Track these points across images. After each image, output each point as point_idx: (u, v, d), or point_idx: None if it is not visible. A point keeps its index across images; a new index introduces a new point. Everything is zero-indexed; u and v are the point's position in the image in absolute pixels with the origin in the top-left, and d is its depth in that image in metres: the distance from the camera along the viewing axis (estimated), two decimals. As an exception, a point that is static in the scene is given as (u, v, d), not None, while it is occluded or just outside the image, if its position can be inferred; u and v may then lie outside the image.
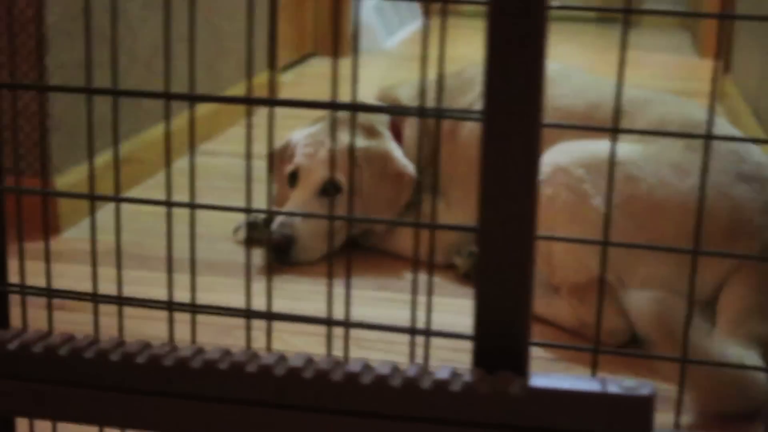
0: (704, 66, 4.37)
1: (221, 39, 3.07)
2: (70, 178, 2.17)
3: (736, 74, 3.50)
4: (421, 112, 0.91)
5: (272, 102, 0.94)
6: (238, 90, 3.22)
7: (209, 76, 3.00)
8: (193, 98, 0.95)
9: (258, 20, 3.37)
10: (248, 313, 0.98)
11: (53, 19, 2.07)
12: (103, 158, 2.31)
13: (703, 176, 0.89)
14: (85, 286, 1.81)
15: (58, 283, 1.80)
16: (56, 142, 2.12)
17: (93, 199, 1.00)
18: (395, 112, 0.89)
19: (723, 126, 1.81)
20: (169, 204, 0.97)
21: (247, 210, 0.95)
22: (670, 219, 1.63)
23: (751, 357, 1.46)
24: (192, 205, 0.96)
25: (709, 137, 0.88)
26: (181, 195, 2.40)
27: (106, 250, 2.01)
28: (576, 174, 1.71)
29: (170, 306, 1.00)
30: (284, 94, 3.72)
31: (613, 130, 0.92)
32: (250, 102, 0.94)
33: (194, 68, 0.97)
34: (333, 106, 0.91)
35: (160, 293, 1.79)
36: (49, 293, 1.03)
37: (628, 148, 1.72)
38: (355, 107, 0.92)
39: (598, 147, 1.74)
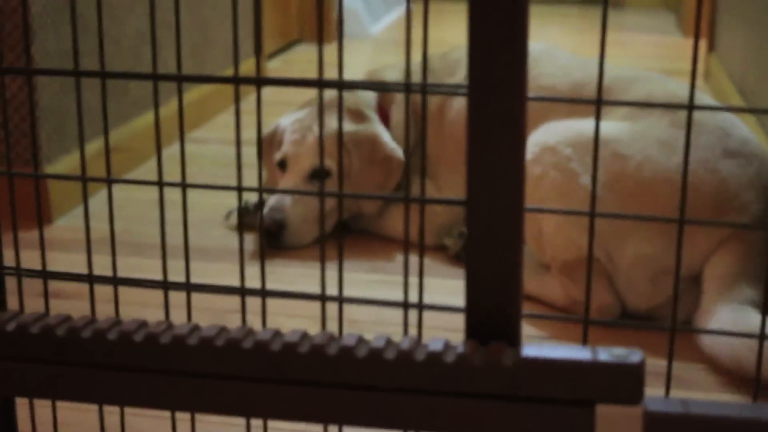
0: (688, 45, 4.39)
1: (206, 27, 3.07)
2: (59, 167, 2.17)
3: (720, 53, 3.51)
4: (407, 87, 0.92)
5: (259, 81, 0.95)
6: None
7: (195, 63, 3.00)
8: (180, 78, 0.96)
9: (243, 7, 3.37)
10: (243, 291, 0.99)
11: (38, 9, 2.07)
12: (92, 147, 2.32)
13: (686, 149, 0.90)
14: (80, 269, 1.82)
15: (52, 271, 1.82)
16: (45, 132, 2.13)
17: (85, 180, 1.01)
18: (381, 88, 0.90)
19: (708, 102, 1.83)
20: (161, 184, 0.98)
21: (239, 189, 0.96)
22: (657, 195, 1.64)
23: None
24: (184, 185, 0.97)
25: (691, 108, 0.89)
26: (172, 181, 2.42)
27: (98, 238, 2.03)
28: (563, 153, 1.72)
29: (165, 285, 1.01)
30: (271, 81, 3.72)
31: (598, 102, 0.93)
32: (237, 81, 0.95)
33: (180, 52, 0.98)
34: (320, 84, 0.92)
35: (154, 278, 1.81)
36: (45, 275, 1.03)
37: (614, 127, 1.74)
38: (342, 84, 0.93)
39: (584, 126, 1.75)
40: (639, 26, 5.19)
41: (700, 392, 1.46)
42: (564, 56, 2.06)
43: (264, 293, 1.00)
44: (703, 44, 4.04)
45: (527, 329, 1.68)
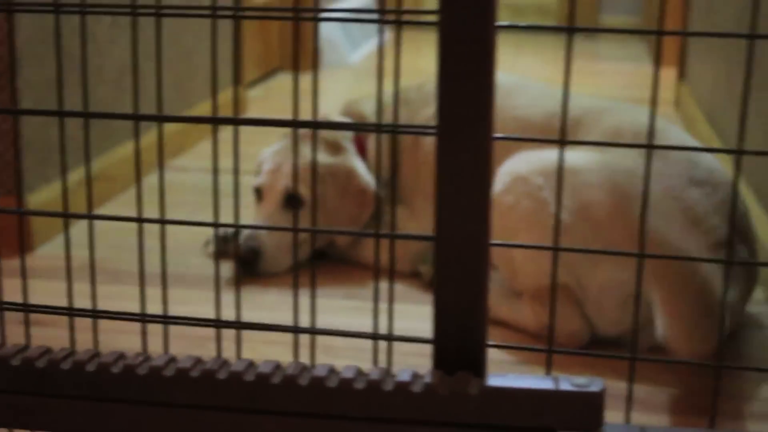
0: (661, 74, 4.45)
1: (189, 56, 3.11)
2: (42, 196, 2.20)
3: (690, 82, 3.58)
4: (378, 128, 0.96)
5: (236, 121, 0.99)
6: (207, 106, 3.26)
7: (178, 93, 3.04)
8: (160, 119, 0.99)
9: (224, 37, 3.42)
10: (218, 323, 1.03)
11: (22, 40, 2.11)
12: (74, 176, 2.35)
13: (645, 184, 0.94)
14: (60, 302, 1.85)
15: (34, 299, 1.85)
16: (27, 161, 2.16)
17: (66, 216, 1.04)
18: (353, 128, 0.94)
19: (675, 133, 1.88)
20: (140, 220, 1.02)
21: (215, 224, 1.00)
22: (626, 223, 1.69)
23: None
24: (162, 221, 1.01)
25: (650, 146, 0.94)
26: (151, 210, 2.45)
27: (79, 266, 2.06)
28: (535, 182, 1.77)
29: (143, 318, 1.04)
30: (251, 109, 3.77)
31: (561, 142, 0.97)
32: (215, 121, 0.99)
33: (161, 89, 1.02)
34: (294, 123, 0.96)
35: (133, 307, 1.85)
36: (26, 308, 1.07)
37: (585, 156, 1.78)
38: (315, 124, 0.97)
39: (555, 156, 1.79)
40: (612, 55, 5.26)
41: (663, 415, 1.50)
42: (537, 87, 2.11)
43: (239, 325, 1.04)
44: (672, 73, 4.12)
45: (500, 355, 1.72)
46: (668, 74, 4.26)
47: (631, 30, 0.99)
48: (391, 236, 0.99)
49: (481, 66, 0.92)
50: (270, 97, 4.02)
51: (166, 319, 1.07)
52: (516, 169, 1.80)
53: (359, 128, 0.97)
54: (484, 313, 0.99)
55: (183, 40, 3.06)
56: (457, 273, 0.97)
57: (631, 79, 4.49)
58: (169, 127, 2.96)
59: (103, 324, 1.77)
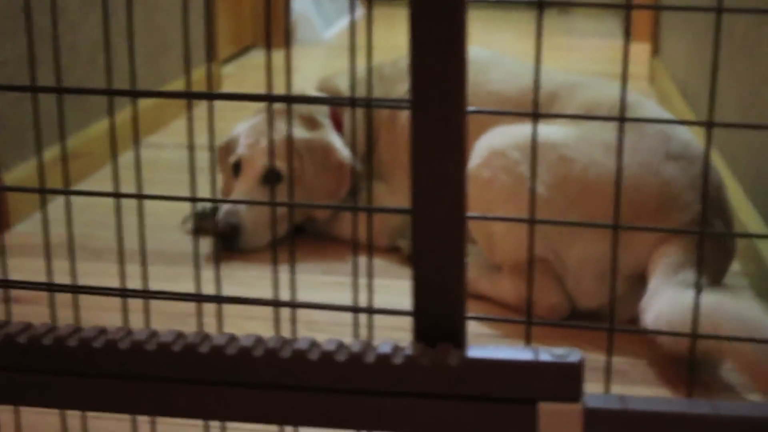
0: (635, 49, 4.47)
1: (162, 33, 3.09)
2: (17, 173, 2.19)
3: (664, 56, 3.59)
4: (352, 102, 0.97)
5: (211, 96, 0.99)
6: (181, 83, 3.25)
7: (151, 70, 3.03)
8: (135, 94, 0.99)
9: (197, 13, 3.40)
10: (199, 298, 1.03)
11: (-5, 18, 2.09)
12: (50, 153, 2.34)
13: (618, 157, 0.95)
14: (39, 279, 1.84)
15: (12, 277, 1.84)
16: (2, 139, 2.15)
17: (43, 192, 1.04)
18: (328, 102, 0.95)
19: (650, 107, 1.89)
20: (117, 195, 1.02)
21: (193, 199, 1.00)
22: (602, 197, 1.70)
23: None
24: (140, 196, 1.01)
25: (622, 119, 0.94)
26: (128, 187, 2.44)
27: (57, 243, 2.05)
28: (512, 157, 1.78)
29: (123, 293, 1.04)
30: (226, 86, 3.75)
31: (534, 114, 0.98)
32: (190, 96, 0.99)
33: (134, 64, 1.01)
34: (269, 98, 0.97)
35: (114, 283, 1.84)
36: (5, 285, 1.07)
37: (561, 131, 1.79)
38: (290, 99, 0.97)
39: (532, 130, 1.80)
40: (586, 31, 5.28)
41: (643, 387, 1.52)
42: (512, 62, 2.12)
43: (219, 299, 1.04)
44: (647, 48, 4.13)
45: (480, 328, 1.73)
46: (642, 49, 4.28)
47: (601, 4, 0.99)
48: (368, 209, 1.00)
49: (452, 39, 0.92)
50: (244, 74, 4.00)
51: (146, 294, 1.07)
52: (493, 143, 1.81)
53: (333, 102, 0.97)
54: (463, 285, 0.99)
55: (155, 16, 3.05)
56: (435, 246, 0.98)
57: (605, 54, 4.50)
58: (144, 104, 2.94)
59: (84, 301, 1.77)
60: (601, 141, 1.75)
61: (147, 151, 2.82)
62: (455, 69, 0.93)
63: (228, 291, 1.85)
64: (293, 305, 1.03)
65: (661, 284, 1.61)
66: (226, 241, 2.02)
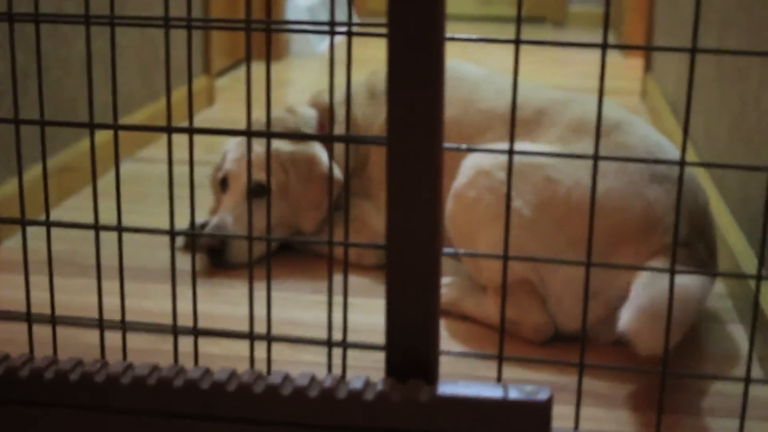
0: (627, 64, 4.48)
1: (156, 46, 3.10)
2: (7, 188, 2.20)
3: (656, 72, 3.61)
4: (330, 138, 0.98)
5: (192, 130, 1.00)
6: (174, 96, 3.26)
7: (145, 83, 3.04)
8: (116, 127, 1.00)
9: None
10: (175, 330, 1.04)
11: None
12: (37, 170, 2.34)
13: (593, 186, 0.96)
14: (23, 296, 1.85)
15: (0, 292, 1.85)
16: (-8, 155, 2.16)
17: (24, 224, 1.05)
18: (304, 138, 0.96)
19: (638, 126, 1.89)
20: (96, 228, 1.03)
21: (171, 233, 1.01)
22: (586, 220, 1.71)
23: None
24: (120, 229, 1.02)
25: (596, 158, 0.95)
26: (114, 206, 2.45)
27: (43, 260, 2.06)
28: (498, 177, 1.79)
29: (101, 324, 1.05)
30: (220, 100, 3.77)
31: (511, 140, 0.98)
32: (169, 131, 1.00)
33: (116, 97, 1.02)
34: (248, 133, 0.98)
35: (95, 301, 1.85)
36: (-15, 315, 1.08)
37: (547, 150, 1.80)
38: (268, 134, 0.98)
39: (519, 149, 1.81)
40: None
41: (623, 410, 1.53)
42: (503, 81, 2.13)
43: (196, 333, 1.05)
44: (640, 64, 4.14)
45: (462, 347, 1.74)
46: (635, 65, 4.29)
47: (576, 44, 1.00)
48: (345, 245, 1.01)
49: (429, 78, 0.93)
50: (237, 88, 4.02)
51: (123, 325, 1.08)
52: (479, 162, 1.82)
53: (311, 139, 0.99)
54: (436, 321, 1.00)
55: (150, 29, 3.06)
56: (409, 282, 0.99)
57: (598, 69, 4.51)
58: (137, 117, 2.95)
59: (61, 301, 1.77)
60: (586, 162, 1.76)
61: (139, 165, 2.83)
62: (431, 107, 0.94)
63: (214, 309, 1.86)
64: (268, 339, 1.04)
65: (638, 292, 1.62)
66: (214, 257, 2.03)
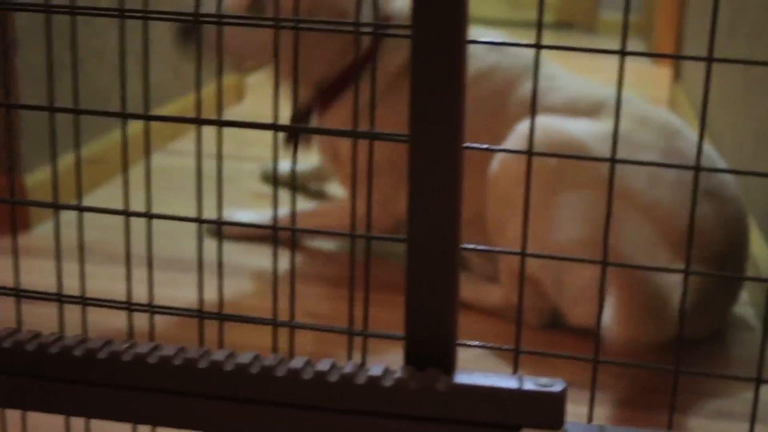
0: (658, 73, 4.49)
1: (189, 41, 3.15)
2: (40, 175, 2.25)
3: (685, 82, 3.61)
4: (354, 134, 1.01)
5: (220, 123, 1.03)
6: (205, 91, 3.30)
7: (177, 79, 3.08)
8: (147, 118, 1.04)
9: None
10: (201, 315, 1.07)
11: (22, 23, 2.15)
12: (69, 159, 2.39)
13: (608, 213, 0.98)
14: (53, 282, 1.89)
15: (28, 278, 1.89)
16: (25, 142, 2.20)
17: (56, 207, 1.09)
18: (334, 133, 0.98)
19: (690, 136, 1.85)
20: (127, 214, 1.06)
21: (199, 221, 1.04)
22: (631, 222, 1.70)
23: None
24: (149, 216, 1.05)
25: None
26: (144, 196, 2.49)
27: (72, 247, 2.10)
28: (549, 162, 1.74)
29: (129, 306, 1.09)
30: (249, 96, 3.81)
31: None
32: (199, 122, 1.03)
33: (148, 89, 1.05)
34: (275, 127, 1.01)
35: (124, 288, 1.89)
36: (18, 294, 1.11)
37: (593, 131, 1.76)
38: (295, 129, 1.01)
39: (579, 131, 1.75)
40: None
41: (632, 409, 1.55)
42: (568, 76, 2.06)
43: (221, 317, 1.08)
44: (668, 72, 4.15)
45: (474, 334, 1.76)
46: (664, 74, 4.30)
47: (594, 49, 1.03)
48: (367, 237, 1.04)
49: (452, 78, 0.96)
50: (266, 83, 4.06)
51: (151, 308, 1.11)
52: (536, 136, 1.76)
53: (338, 133, 1.01)
54: (455, 312, 1.03)
55: (184, 25, 3.10)
56: (428, 274, 1.02)
57: (629, 77, 4.52)
58: (168, 110, 3.00)
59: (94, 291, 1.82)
60: (645, 167, 1.73)
61: (169, 158, 2.87)
62: (454, 106, 0.96)
63: (240, 300, 1.90)
64: (291, 326, 1.07)
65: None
66: (185, 35, 1.96)
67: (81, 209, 1.07)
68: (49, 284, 1.90)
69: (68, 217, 2.31)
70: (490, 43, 0.97)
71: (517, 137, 1.80)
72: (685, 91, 3.59)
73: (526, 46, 0.91)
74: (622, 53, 0.94)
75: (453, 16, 0.93)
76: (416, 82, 0.96)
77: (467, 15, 0.92)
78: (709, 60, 0.86)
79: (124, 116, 1.04)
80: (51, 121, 1.07)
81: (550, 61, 2.12)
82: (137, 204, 2.40)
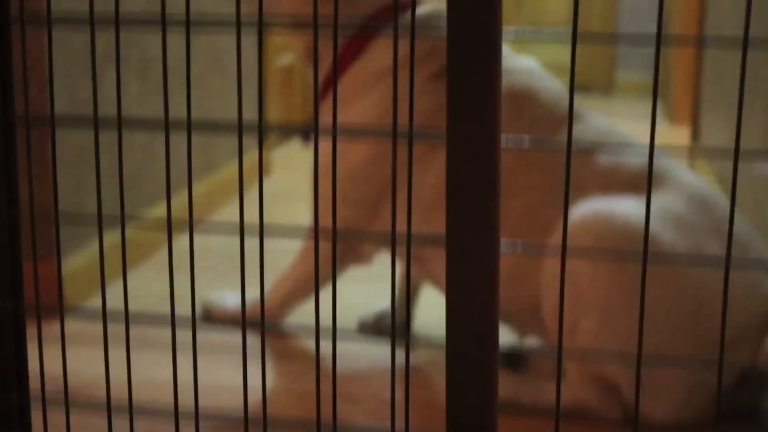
0: (675, 133, 4.51)
1: (214, 119, 3.21)
2: (76, 261, 2.30)
3: (703, 140, 3.64)
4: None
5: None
6: (232, 168, 3.36)
7: (205, 156, 3.14)
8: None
9: (248, 100, 3.52)
10: (246, 423, 1.11)
11: (59, 109, 2.21)
12: (106, 241, 2.44)
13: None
14: (93, 370, 1.92)
15: (69, 367, 1.92)
16: (62, 227, 2.26)
17: (105, 321, 1.12)
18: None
19: (724, 203, 1.76)
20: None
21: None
22: (708, 323, 1.63)
23: None
24: (194, 331, 1.09)
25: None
26: (181, 275, 2.53)
27: (112, 334, 2.14)
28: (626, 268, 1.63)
29: (176, 417, 1.12)
30: (275, 171, 3.86)
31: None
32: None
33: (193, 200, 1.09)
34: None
35: (167, 374, 1.91)
36: (67, 406, 1.15)
37: (662, 217, 1.67)
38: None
39: (629, 227, 1.64)
40: (628, 113, 5.32)
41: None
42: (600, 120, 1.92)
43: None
44: (686, 132, 4.18)
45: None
46: (682, 133, 4.32)
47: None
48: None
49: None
50: (291, 159, 4.12)
51: (197, 423, 1.14)
52: (598, 230, 1.64)
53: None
54: (495, 384, 1.05)
55: (207, 103, 3.17)
56: (469, 352, 1.04)
57: (647, 137, 4.56)
58: (197, 190, 3.05)
59: (138, 393, 1.85)
60: (711, 257, 1.63)
61: (198, 237, 2.92)
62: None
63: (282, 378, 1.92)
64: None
65: None
66: None
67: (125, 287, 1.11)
68: (90, 372, 1.93)
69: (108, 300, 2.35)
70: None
71: (579, 228, 1.66)
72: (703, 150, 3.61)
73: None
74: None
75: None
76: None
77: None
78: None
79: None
80: (100, 233, 1.11)
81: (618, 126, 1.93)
82: (161, 284, 2.43)
